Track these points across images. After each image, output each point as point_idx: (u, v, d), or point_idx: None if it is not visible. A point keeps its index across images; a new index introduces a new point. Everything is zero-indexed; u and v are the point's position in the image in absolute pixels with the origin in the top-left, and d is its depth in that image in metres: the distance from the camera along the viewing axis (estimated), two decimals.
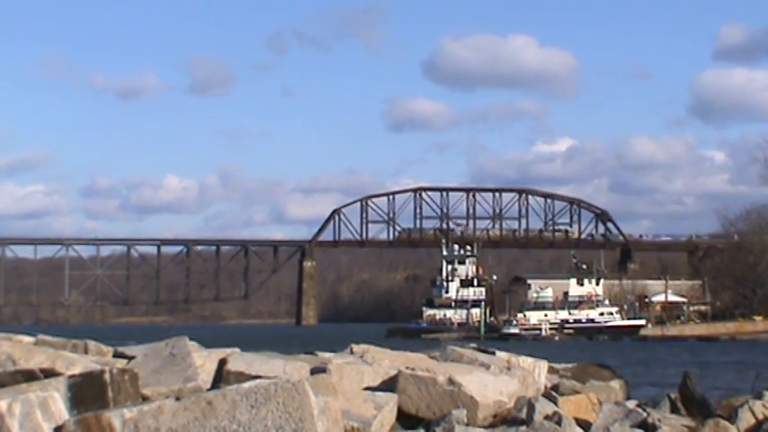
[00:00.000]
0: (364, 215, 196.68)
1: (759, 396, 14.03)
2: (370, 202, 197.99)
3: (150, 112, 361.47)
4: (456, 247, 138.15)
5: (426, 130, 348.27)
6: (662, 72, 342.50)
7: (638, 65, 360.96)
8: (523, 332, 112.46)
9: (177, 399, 9.25)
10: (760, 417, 13.43)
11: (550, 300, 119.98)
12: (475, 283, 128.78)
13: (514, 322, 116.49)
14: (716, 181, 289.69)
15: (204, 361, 12.19)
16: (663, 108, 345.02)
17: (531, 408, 12.17)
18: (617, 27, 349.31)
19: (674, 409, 14.00)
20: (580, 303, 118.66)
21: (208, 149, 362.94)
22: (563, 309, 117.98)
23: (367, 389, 12.09)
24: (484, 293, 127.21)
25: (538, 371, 14.42)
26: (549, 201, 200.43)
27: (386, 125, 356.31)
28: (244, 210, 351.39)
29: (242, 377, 10.88)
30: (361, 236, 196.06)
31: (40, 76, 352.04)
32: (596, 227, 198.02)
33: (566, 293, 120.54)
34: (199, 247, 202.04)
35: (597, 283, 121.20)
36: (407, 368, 12.57)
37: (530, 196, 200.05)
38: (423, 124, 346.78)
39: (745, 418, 13.37)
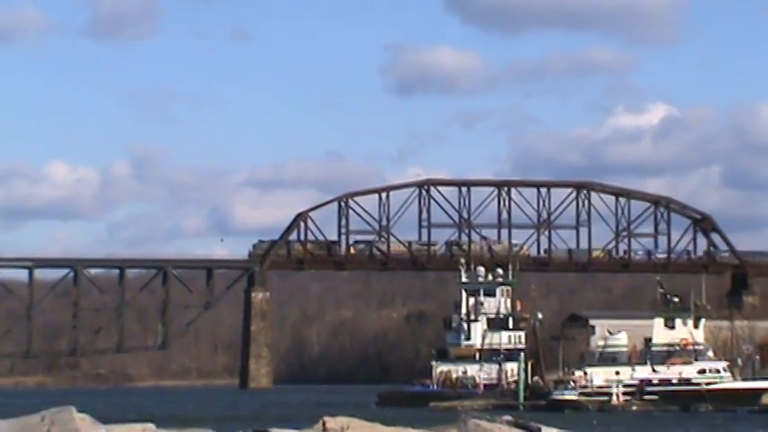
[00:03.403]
0: (344, 222, 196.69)
1: None
2: (352, 203, 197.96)
3: (29, 64, 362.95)
4: (482, 269, 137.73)
5: (448, 94, 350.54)
6: None
7: None
8: (584, 398, 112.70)
9: None
10: None
11: (625, 350, 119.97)
12: (510, 324, 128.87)
13: (570, 384, 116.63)
14: None
15: None
16: None
17: None
18: None
19: None
20: (670, 355, 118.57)
21: (115, 123, 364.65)
22: (644, 364, 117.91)
23: None
24: (524, 340, 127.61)
25: None
26: (622, 201, 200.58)
27: (387, 86, 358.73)
28: (167, 214, 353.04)
29: None
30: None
31: None
32: (694, 239, 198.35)
33: (648, 340, 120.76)
34: (93, 271, 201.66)
35: (696, 326, 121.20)
36: None
37: (593, 193, 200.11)
38: (443, 85, 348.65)
39: None
